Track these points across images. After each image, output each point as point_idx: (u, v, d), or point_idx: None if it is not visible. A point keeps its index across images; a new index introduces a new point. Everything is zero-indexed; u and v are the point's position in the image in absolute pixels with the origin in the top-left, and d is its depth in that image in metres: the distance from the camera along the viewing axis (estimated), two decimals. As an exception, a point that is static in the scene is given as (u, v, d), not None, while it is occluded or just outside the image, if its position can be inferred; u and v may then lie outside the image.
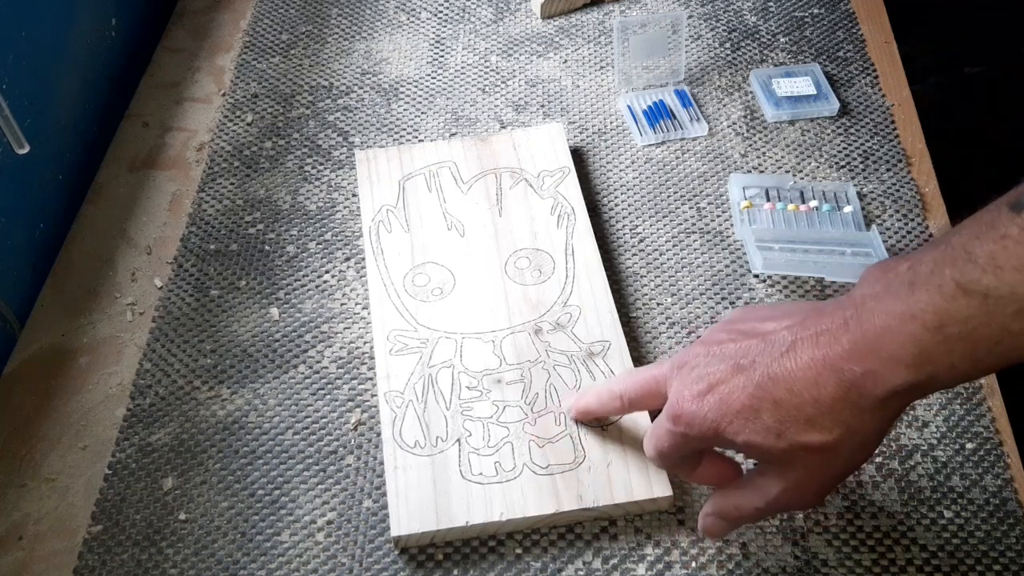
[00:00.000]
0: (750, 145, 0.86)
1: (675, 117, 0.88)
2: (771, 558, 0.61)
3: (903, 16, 1.02)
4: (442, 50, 0.98)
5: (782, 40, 0.96)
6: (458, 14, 1.01)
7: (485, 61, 0.96)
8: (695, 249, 0.79)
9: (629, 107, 0.90)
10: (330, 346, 0.73)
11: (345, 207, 0.83)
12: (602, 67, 0.95)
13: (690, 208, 0.82)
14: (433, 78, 0.95)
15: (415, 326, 0.71)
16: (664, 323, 0.74)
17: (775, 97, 0.89)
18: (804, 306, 0.52)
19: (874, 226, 0.77)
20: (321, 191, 0.85)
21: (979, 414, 0.67)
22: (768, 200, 0.80)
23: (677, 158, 0.86)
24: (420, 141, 0.89)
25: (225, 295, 0.77)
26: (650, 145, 0.87)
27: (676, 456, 0.54)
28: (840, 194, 0.80)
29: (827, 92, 0.89)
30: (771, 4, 1.00)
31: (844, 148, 0.86)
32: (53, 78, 0.86)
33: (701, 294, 0.75)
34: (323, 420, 0.69)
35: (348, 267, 0.79)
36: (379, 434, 0.67)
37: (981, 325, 0.43)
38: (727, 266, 0.77)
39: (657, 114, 0.88)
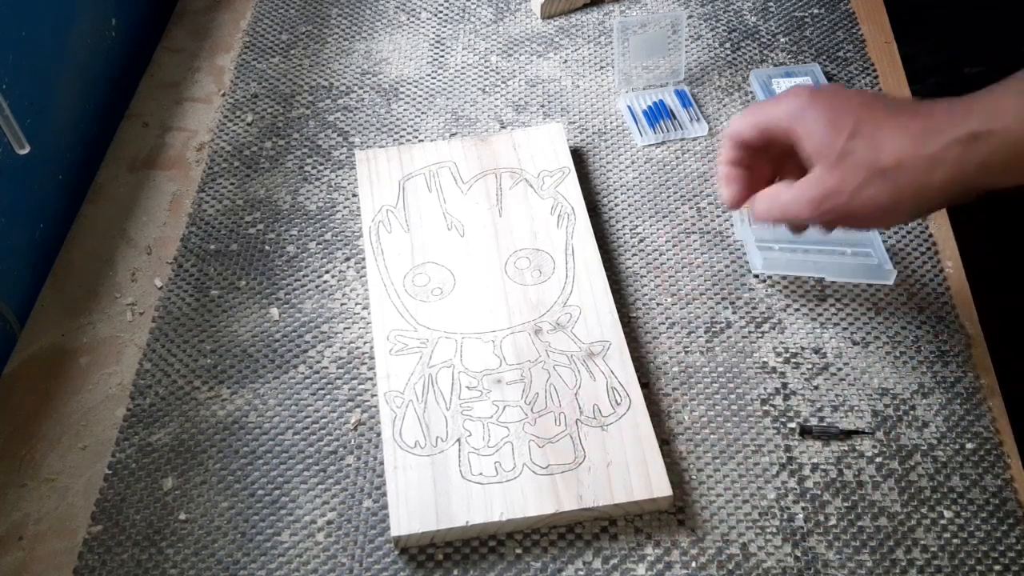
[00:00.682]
0: (750, 145, 0.86)
1: (675, 117, 0.88)
2: (771, 559, 0.61)
3: (903, 16, 1.02)
4: (442, 50, 0.98)
5: (782, 40, 0.96)
6: (458, 14, 1.01)
7: (485, 61, 0.96)
8: (695, 249, 0.79)
9: (629, 107, 0.89)
10: (330, 346, 0.73)
11: (345, 207, 0.83)
12: (602, 67, 0.95)
13: (690, 208, 0.82)
14: (433, 78, 0.95)
15: (415, 326, 0.71)
16: (664, 323, 0.74)
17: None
18: None
19: (874, 226, 0.77)
20: (321, 191, 0.85)
21: (979, 414, 0.67)
22: (768, 200, 0.80)
23: (677, 158, 0.86)
24: (420, 141, 0.89)
25: (225, 295, 0.77)
26: (650, 145, 0.87)
27: (756, 125, 0.63)
28: (840, 194, 0.80)
29: (827, 92, 0.89)
30: (771, 4, 1.00)
31: (844, 148, 0.86)
32: (53, 78, 0.86)
33: (701, 294, 0.75)
34: (323, 420, 0.69)
35: (348, 267, 0.79)
36: (379, 434, 0.67)
37: None
38: (727, 266, 0.77)
39: (657, 114, 0.88)
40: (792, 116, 0.60)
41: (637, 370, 0.68)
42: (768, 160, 0.65)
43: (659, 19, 0.90)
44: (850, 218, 0.59)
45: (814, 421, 0.67)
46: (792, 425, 0.67)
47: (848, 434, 0.66)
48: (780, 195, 0.62)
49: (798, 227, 0.64)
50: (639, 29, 0.89)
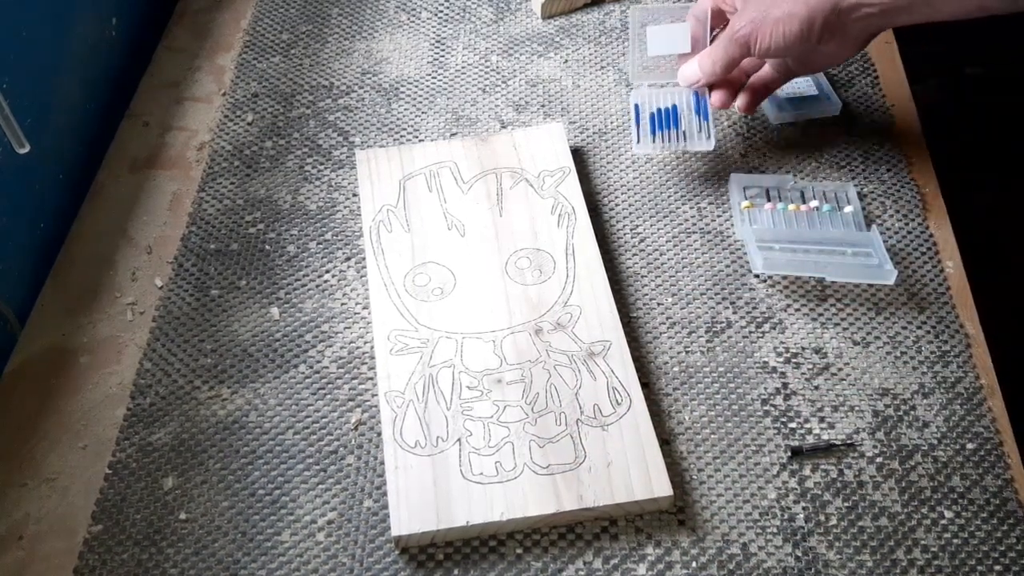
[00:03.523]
0: (750, 145, 0.86)
1: (680, 127, 0.82)
2: (772, 559, 0.61)
3: (903, 16, 1.02)
4: (442, 50, 0.98)
5: (783, 40, 0.96)
6: (458, 14, 1.01)
7: (486, 61, 0.96)
8: (696, 249, 0.79)
9: (637, 106, 0.83)
10: (330, 346, 0.73)
11: (345, 207, 0.83)
12: (603, 67, 0.95)
13: (691, 208, 0.82)
14: (433, 78, 0.95)
15: (416, 326, 0.71)
16: (665, 323, 0.74)
17: (777, 98, 0.88)
18: None
19: (874, 226, 0.77)
20: (321, 191, 0.85)
21: (979, 414, 0.67)
22: (769, 200, 0.80)
23: (678, 158, 0.86)
24: (420, 141, 0.89)
25: (225, 295, 0.77)
26: (646, 156, 0.85)
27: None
28: (840, 194, 0.80)
29: (828, 92, 0.89)
30: (771, 4, 1.00)
31: (844, 148, 0.86)
32: (53, 78, 0.86)
33: (702, 294, 0.75)
34: (323, 420, 0.69)
35: (348, 267, 0.79)
36: (380, 434, 0.67)
37: None
38: (728, 266, 0.77)
39: (663, 121, 0.82)
40: None
41: (638, 370, 0.68)
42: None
43: (678, 10, 0.82)
44: (770, 30, 0.73)
45: (814, 422, 0.67)
46: (792, 425, 0.67)
47: (836, 447, 0.66)
48: (713, 45, 0.77)
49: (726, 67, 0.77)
50: (656, 19, 0.83)
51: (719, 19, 0.79)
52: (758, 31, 0.73)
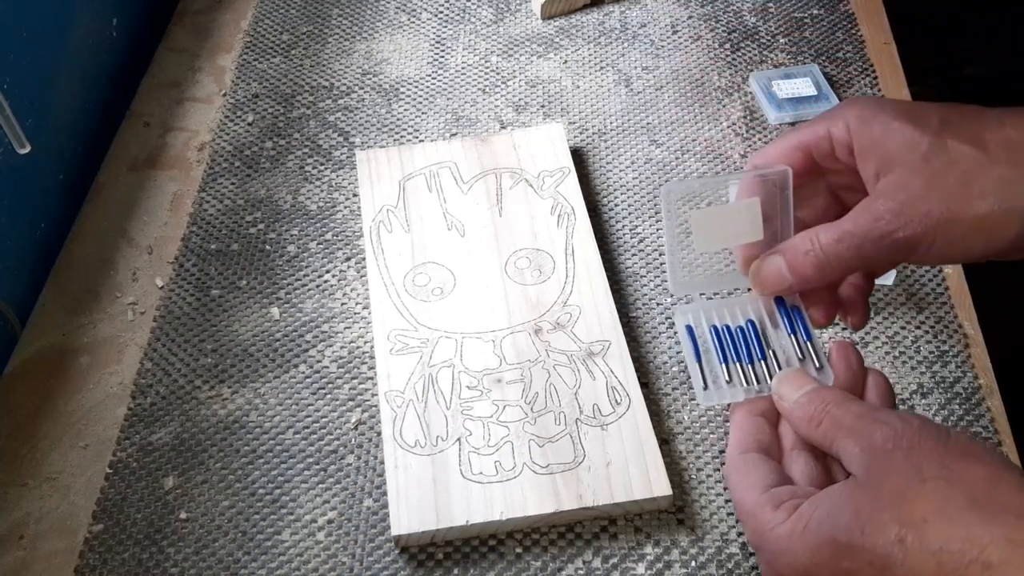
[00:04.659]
0: (750, 146, 0.86)
1: (770, 350, 0.52)
2: (770, 557, 0.61)
3: (903, 16, 1.03)
4: (442, 50, 0.98)
5: (781, 41, 0.96)
6: (458, 14, 1.01)
7: (485, 61, 0.96)
8: (695, 249, 0.79)
9: (691, 329, 0.54)
10: (331, 346, 0.73)
11: (346, 207, 0.83)
12: (602, 67, 0.95)
13: (690, 208, 0.82)
14: (433, 78, 0.95)
15: (415, 326, 0.72)
16: (664, 323, 0.74)
17: (776, 99, 0.89)
18: None
19: (874, 226, 0.77)
20: (322, 191, 0.85)
21: (978, 414, 0.67)
22: (768, 201, 0.79)
23: (677, 159, 0.86)
24: (420, 141, 0.89)
25: (226, 295, 0.77)
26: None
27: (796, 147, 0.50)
28: (840, 194, 0.80)
29: (827, 93, 0.89)
30: (771, 5, 1.00)
31: (844, 148, 0.86)
32: (54, 78, 0.86)
33: (701, 294, 0.75)
34: (324, 419, 0.69)
35: (349, 267, 0.79)
36: (379, 433, 0.67)
37: None
38: (727, 266, 0.77)
39: (740, 350, 0.53)
40: (852, 122, 0.47)
41: (637, 370, 0.68)
42: None
43: (720, 181, 0.53)
44: (951, 235, 0.45)
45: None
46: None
47: None
48: (820, 236, 0.47)
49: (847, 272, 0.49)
50: (701, 199, 0.56)
51: (810, 172, 0.51)
52: (936, 232, 0.45)
